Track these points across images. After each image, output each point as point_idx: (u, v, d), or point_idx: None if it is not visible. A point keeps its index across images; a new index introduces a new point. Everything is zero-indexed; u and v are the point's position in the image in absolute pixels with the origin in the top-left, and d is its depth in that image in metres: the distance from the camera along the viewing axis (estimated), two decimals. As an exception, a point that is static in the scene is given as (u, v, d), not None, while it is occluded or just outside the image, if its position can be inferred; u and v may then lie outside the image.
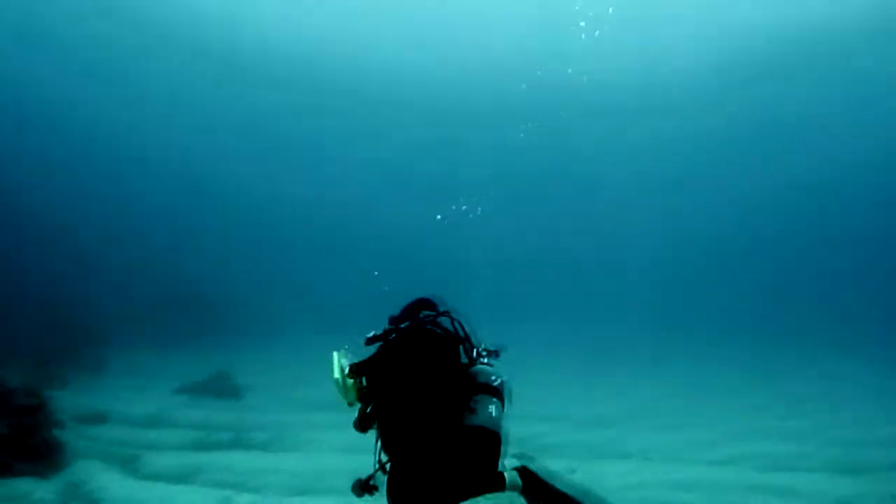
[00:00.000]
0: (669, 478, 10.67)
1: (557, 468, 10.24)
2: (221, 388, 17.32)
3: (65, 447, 10.50)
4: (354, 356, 3.92)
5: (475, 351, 3.83)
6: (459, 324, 3.94)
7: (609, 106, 54.46)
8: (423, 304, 4.11)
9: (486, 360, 3.78)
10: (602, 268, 64.65)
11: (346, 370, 3.76)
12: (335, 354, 3.89)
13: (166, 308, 27.83)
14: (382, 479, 3.65)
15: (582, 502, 3.52)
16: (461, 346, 3.81)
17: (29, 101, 50.70)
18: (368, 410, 3.76)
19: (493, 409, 3.41)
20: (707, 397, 19.44)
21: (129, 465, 10.56)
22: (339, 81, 55.64)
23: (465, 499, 3.41)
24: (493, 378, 3.57)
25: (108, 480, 9.50)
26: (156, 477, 9.96)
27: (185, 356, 22.21)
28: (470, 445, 3.33)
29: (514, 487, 3.47)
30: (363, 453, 10.08)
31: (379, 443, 3.71)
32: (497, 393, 3.51)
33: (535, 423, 14.89)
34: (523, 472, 3.51)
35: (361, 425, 3.77)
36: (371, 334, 3.90)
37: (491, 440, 3.36)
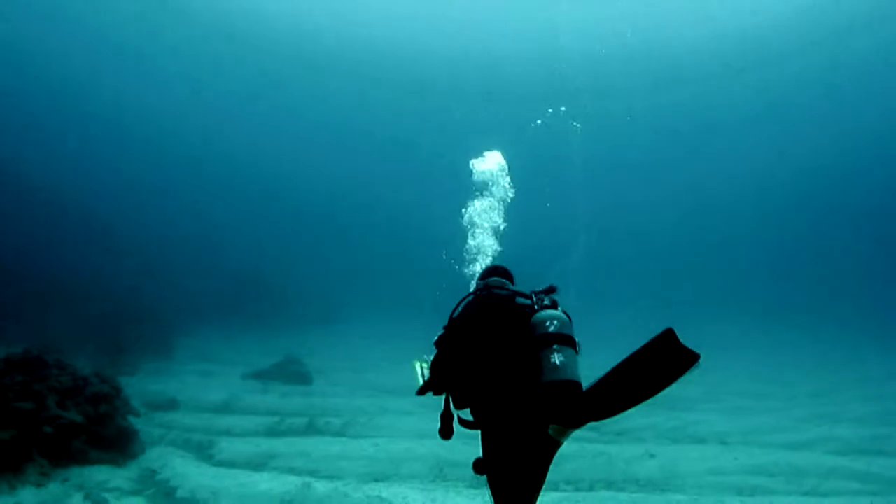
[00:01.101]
0: (748, 462, 10.45)
1: (636, 453, 9.73)
2: (290, 373, 17.15)
3: (138, 434, 10.35)
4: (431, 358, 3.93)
5: (534, 297, 3.78)
6: (502, 287, 3.98)
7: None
8: (486, 273, 4.24)
9: (546, 303, 3.72)
10: (670, 247, 63.45)
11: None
12: (416, 365, 3.97)
13: (231, 295, 27.98)
14: None
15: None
16: (515, 302, 3.78)
17: (84, 94, 51.95)
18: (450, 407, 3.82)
19: (556, 358, 3.35)
20: (773, 381, 19.17)
21: (203, 451, 10.39)
22: (397, 70, 55.64)
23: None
24: (548, 324, 3.48)
25: (183, 467, 9.34)
26: (231, 463, 9.76)
27: (251, 342, 22.25)
28: (546, 401, 3.31)
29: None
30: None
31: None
32: (555, 339, 3.42)
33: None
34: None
35: (445, 433, 3.84)
36: (437, 337, 3.89)
37: (563, 389, 3.28)
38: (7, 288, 18.85)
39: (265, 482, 8.64)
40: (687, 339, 3.05)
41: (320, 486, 8.43)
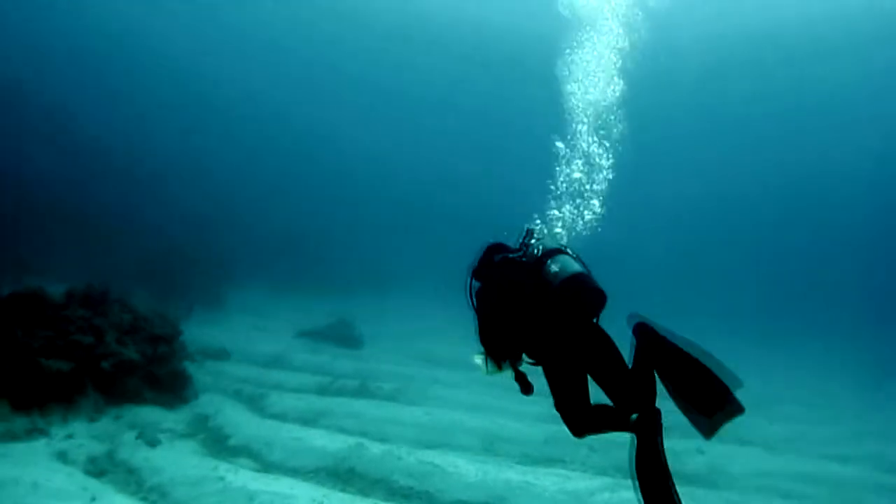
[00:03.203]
0: (793, 469, 10.23)
1: (686, 448, 9.29)
2: (342, 335, 17.06)
3: (192, 380, 10.30)
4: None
5: (523, 248, 4.24)
6: (506, 247, 4.39)
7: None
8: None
9: (535, 242, 4.20)
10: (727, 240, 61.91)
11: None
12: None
13: (284, 253, 28.04)
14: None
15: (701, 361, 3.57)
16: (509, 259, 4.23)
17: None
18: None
19: (552, 267, 3.86)
20: (820, 394, 18.50)
21: (254, 403, 10.29)
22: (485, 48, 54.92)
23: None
24: (534, 251, 4.07)
25: (234, 416, 9.27)
26: (282, 417, 9.63)
27: (301, 301, 22.23)
28: (561, 300, 3.77)
29: None
30: (490, 413, 9.39)
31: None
32: (545, 255, 3.97)
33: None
34: (641, 326, 3.72)
35: (526, 389, 4.09)
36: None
37: (568, 284, 3.77)
38: (67, 229, 19.18)
39: (318, 438, 8.50)
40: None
41: (374, 448, 8.25)
